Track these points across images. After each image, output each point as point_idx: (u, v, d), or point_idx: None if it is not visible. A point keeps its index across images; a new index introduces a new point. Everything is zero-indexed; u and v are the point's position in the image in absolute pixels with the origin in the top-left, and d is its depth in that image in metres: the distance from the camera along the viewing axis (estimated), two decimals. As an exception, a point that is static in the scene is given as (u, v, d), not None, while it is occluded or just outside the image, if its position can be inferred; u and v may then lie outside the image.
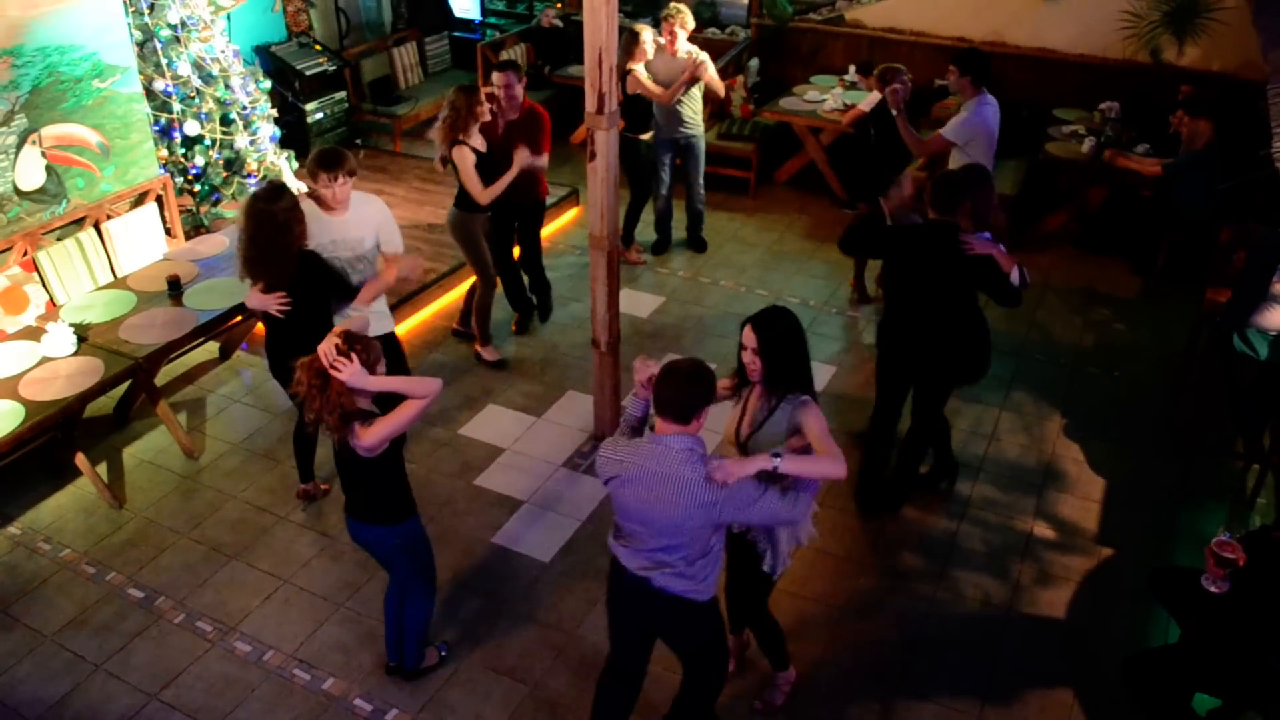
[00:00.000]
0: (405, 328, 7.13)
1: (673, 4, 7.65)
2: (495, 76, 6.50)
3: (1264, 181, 6.74)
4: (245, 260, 4.83)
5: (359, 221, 5.23)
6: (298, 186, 8.18)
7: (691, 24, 7.64)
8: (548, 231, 8.66)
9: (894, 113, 6.71)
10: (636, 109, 7.56)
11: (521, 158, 6.26)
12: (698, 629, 3.76)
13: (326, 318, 5.00)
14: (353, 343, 3.84)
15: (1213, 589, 4.02)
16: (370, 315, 5.24)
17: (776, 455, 3.41)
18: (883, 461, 5.65)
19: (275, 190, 4.80)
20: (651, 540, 3.50)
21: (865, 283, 7.77)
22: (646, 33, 7.34)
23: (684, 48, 7.61)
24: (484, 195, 6.21)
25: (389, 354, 5.26)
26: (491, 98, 6.41)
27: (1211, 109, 7.59)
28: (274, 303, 4.85)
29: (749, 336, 3.73)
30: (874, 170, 7.11)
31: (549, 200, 7.80)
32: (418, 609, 4.48)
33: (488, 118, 6.23)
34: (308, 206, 5.08)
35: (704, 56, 7.62)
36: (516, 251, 7.15)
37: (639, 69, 7.44)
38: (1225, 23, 8.39)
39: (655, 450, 3.40)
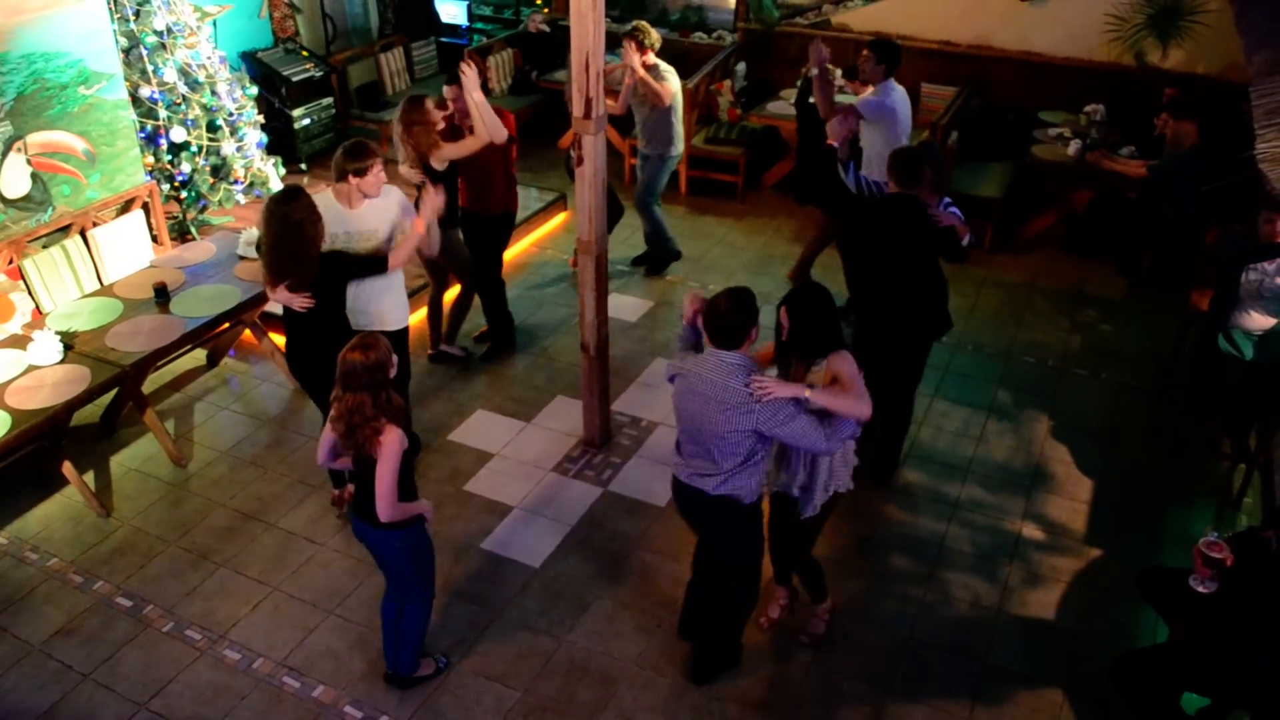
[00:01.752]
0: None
1: (637, 22, 7.52)
2: (446, 89, 6.30)
3: (1248, 183, 6.77)
4: (268, 264, 4.88)
5: (374, 214, 5.26)
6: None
7: (648, 41, 7.29)
8: (537, 235, 8.69)
9: (814, 71, 6.63)
10: None
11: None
12: (736, 534, 4.26)
13: (344, 318, 5.14)
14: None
15: (1201, 589, 4.05)
16: (385, 309, 5.40)
17: (811, 387, 3.90)
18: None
19: (290, 193, 4.83)
20: (702, 447, 4.02)
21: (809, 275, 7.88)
22: None
23: (645, 62, 7.30)
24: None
25: (396, 350, 5.27)
26: (445, 109, 6.26)
27: (1196, 111, 7.63)
28: (299, 301, 4.89)
29: (784, 315, 4.15)
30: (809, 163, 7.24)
31: (528, 211, 7.76)
32: (414, 616, 4.48)
33: (441, 125, 6.05)
34: (324, 199, 5.10)
35: (653, 72, 7.31)
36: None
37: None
38: (1209, 25, 8.44)
39: (710, 361, 3.96)
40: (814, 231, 7.83)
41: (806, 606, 4.95)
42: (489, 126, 5.91)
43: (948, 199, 5.49)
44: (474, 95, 5.87)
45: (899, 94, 6.82)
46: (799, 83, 7.09)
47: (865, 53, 6.82)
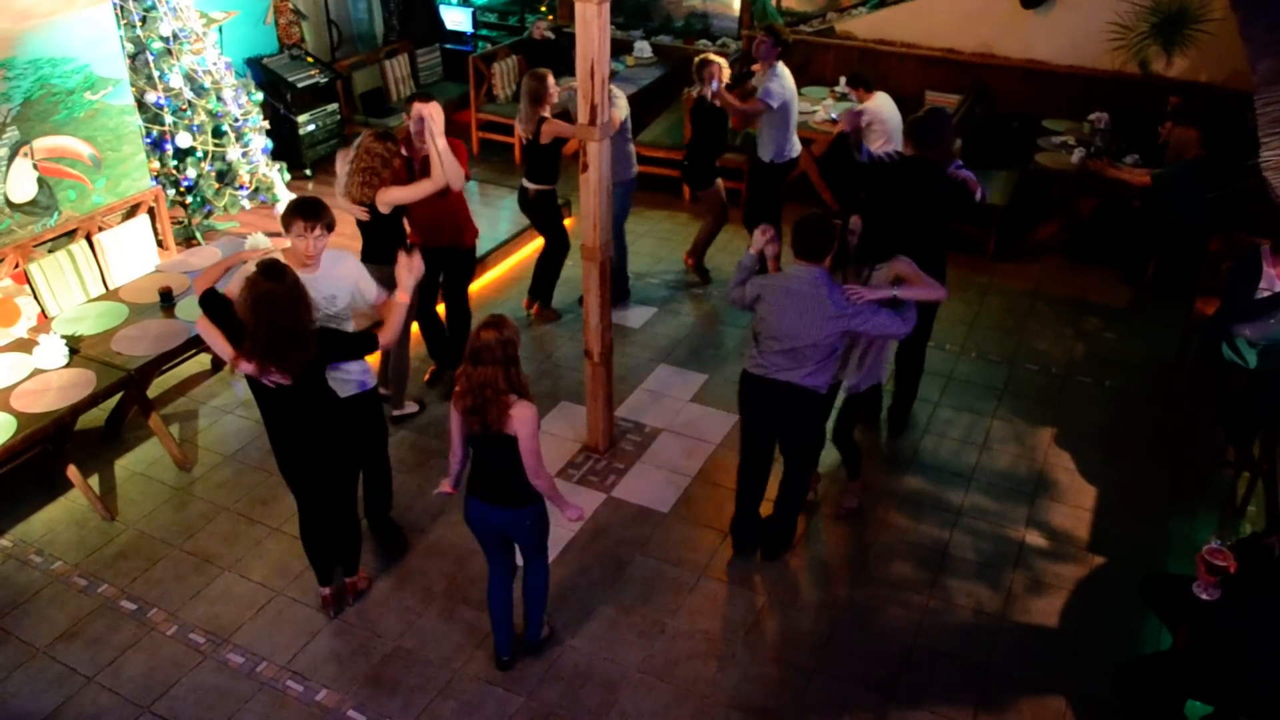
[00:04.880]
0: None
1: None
2: (421, 108, 5.77)
3: (1252, 191, 6.78)
4: (262, 346, 4.20)
5: (332, 279, 4.78)
6: (290, 198, 8.20)
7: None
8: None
9: (712, 98, 7.30)
10: (551, 161, 7.03)
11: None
12: (814, 418, 5.04)
13: (328, 393, 4.61)
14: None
15: (1204, 596, 4.05)
16: (354, 376, 4.90)
17: (897, 284, 4.70)
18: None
19: (276, 267, 4.21)
20: (792, 350, 4.70)
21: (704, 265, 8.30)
22: (550, 76, 6.83)
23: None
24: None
25: (369, 411, 5.01)
26: (406, 140, 5.89)
27: (1199, 119, 7.65)
28: (275, 376, 4.29)
29: (856, 222, 4.99)
30: (704, 159, 7.79)
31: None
32: (540, 580, 4.68)
33: (398, 165, 5.70)
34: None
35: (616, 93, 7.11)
36: (441, 309, 6.76)
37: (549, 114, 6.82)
38: (1213, 34, 8.46)
39: (797, 276, 4.66)
40: (708, 216, 8.09)
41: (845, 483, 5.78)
42: (449, 173, 5.63)
43: (959, 161, 5.75)
44: (437, 142, 5.61)
45: (787, 74, 7.48)
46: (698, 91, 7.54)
47: (760, 35, 7.44)
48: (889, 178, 5.68)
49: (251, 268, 4.26)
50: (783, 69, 7.45)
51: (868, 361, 5.25)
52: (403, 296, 4.68)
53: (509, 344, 4.06)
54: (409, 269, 4.70)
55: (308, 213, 4.60)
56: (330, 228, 4.67)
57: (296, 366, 4.28)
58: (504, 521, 4.40)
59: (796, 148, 7.70)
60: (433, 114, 5.66)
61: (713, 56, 7.42)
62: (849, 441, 5.61)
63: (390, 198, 5.65)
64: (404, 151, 5.83)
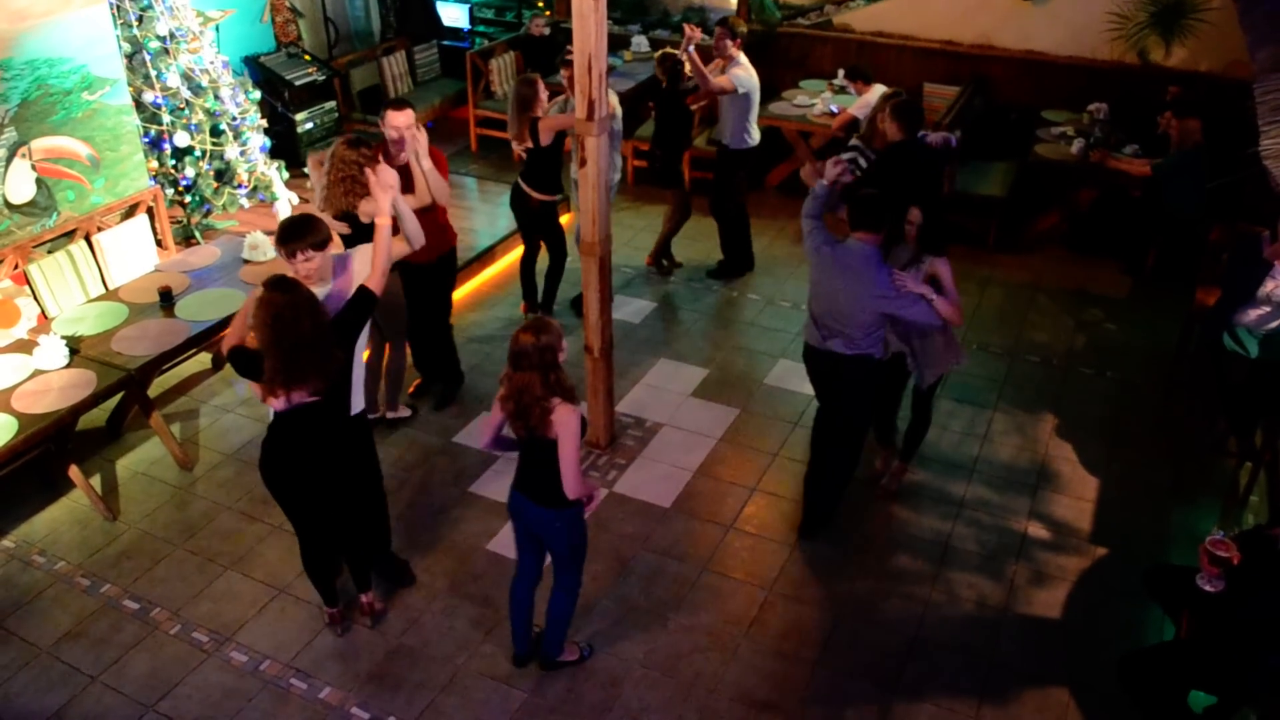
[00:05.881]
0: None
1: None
2: (398, 117, 5.50)
3: (1252, 180, 6.77)
4: (285, 368, 4.05)
5: (341, 293, 4.46)
6: (289, 196, 8.20)
7: None
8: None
9: (684, 57, 7.40)
10: (554, 166, 6.94)
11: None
12: (852, 387, 5.14)
13: (350, 416, 4.51)
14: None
15: (1208, 588, 4.05)
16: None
17: (936, 292, 4.87)
18: None
19: (285, 281, 4.04)
20: (838, 320, 4.94)
21: (670, 254, 8.35)
22: (540, 82, 6.70)
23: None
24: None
25: (359, 434, 4.68)
26: (382, 147, 5.52)
27: (1199, 109, 7.63)
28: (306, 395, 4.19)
29: (915, 214, 5.02)
30: (669, 155, 7.81)
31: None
32: (561, 601, 4.56)
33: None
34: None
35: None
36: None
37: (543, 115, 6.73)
38: (1212, 23, 8.44)
39: (849, 250, 4.86)
40: (671, 212, 8.07)
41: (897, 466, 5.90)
42: (435, 192, 5.47)
43: (923, 133, 6.04)
44: (423, 163, 5.40)
45: (749, 65, 7.54)
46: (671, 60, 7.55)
47: (719, 30, 7.51)
48: (887, 169, 5.73)
49: (259, 290, 4.07)
50: (744, 60, 7.50)
51: (936, 348, 5.29)
52: (383, 219, 4.41)
53: (547, 349, 3.94)
54: (382, 185, 4.47)
55: (288, 237, 4.27)
56: (320, 246, 4.31)
57: (328, 376, 4.14)
58: (537, 519, 4.30)
59: (756, 136, 7.74)
60: (415, 134, 5.37)
61: (672, 50, 7.52)
62: (925, 413, 5.68)
63: (373, 208, 5.06)
64: (380, 159, 5.36)
